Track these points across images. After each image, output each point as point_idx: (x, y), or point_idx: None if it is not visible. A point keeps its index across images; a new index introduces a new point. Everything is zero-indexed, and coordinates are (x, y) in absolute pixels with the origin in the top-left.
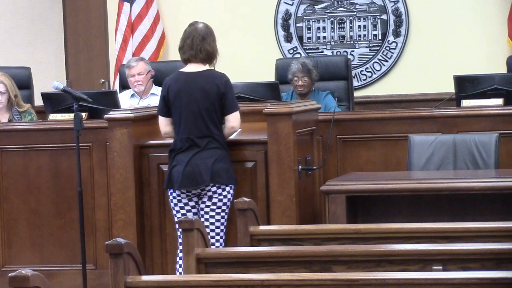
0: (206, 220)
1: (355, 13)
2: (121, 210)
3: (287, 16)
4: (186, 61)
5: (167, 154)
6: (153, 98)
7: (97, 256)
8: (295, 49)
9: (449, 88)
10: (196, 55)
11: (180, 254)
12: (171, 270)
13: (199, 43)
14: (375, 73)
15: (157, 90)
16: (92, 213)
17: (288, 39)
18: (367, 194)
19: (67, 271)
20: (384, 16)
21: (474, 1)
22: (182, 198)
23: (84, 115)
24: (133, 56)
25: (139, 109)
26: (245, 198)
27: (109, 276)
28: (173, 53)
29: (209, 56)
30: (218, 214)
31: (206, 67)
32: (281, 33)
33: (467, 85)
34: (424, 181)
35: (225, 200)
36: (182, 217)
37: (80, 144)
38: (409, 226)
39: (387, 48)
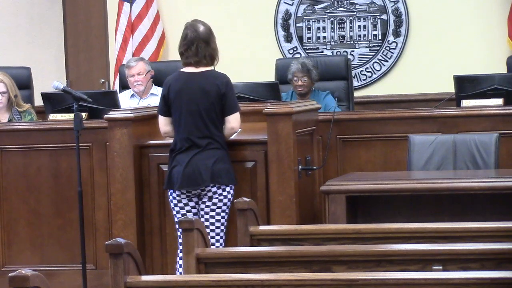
0: (206, 220)
1: (355, 13)
2: (121, 210)
3: (287, 16)
4: (188, 64)
5: (168, 154)
6: (153, 98)
7: (97, 256)
8: (295, 49)
9: (449, 88)
10: (200, 61)
11: (180, 254)
12: (171, 270)
13: (203, 50)
14: (375, 73)
15: (157, 90)
16: (92, 213)
17: (288, 39)
18: (367, 194)
19: (67, 271)
20: (384, 16)
21: (474, 1)
22: (182, 198)
23: (84, 115)
24: (133, 56)
25: (139, 109)
26: (245, 198)
27: (109, 276)
28: (173, 53)
29: (212, 58)
30: (218, 214)
31: (208, 67)
32: (281, 33)
33: (467, 85)
34: (424, 181)
35: (225, 201)
36: (182, 217)
37: (80, 144)
38: (409, 226)
39: (387, 48)
